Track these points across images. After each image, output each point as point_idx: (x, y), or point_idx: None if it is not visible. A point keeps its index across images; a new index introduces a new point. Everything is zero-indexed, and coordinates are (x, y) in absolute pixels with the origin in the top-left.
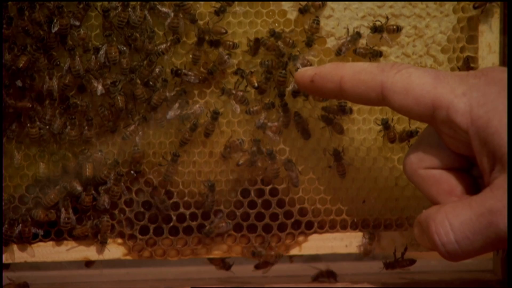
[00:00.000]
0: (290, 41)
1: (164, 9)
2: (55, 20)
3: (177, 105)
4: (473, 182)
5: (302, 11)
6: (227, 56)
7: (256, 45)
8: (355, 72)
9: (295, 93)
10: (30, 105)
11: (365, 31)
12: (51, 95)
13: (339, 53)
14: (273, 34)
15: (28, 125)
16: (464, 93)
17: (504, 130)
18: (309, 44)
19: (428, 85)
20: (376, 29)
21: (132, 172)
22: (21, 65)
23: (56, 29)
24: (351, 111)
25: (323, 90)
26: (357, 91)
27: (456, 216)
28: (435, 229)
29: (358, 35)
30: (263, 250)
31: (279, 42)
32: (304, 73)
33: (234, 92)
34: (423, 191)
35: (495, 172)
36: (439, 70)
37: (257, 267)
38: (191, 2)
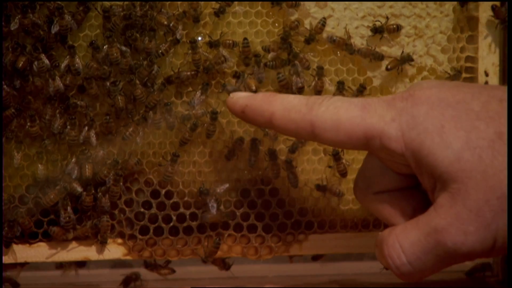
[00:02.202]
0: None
1: (164, 12)
2: (55, 21)
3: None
4: (423, 197)
5: (274, 4)
6: (223, 58)
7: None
8: (285, 110)
9: (300, 89)
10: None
11: (365, 31)
12: (61, 94)
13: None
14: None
15: (28, 123)
16: (393, 119)
17: (437, 150)
18: (308, 42)
19: (356, 117)
20: (376, 30)
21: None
22: (20, 65)
23: (56, 30)
24: None
25: (254, 122)
26: (288, 129)
27: (405, 238)
28: (388, 252)
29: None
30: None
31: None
32: (236, 101)
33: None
34: (377, 215)
35: (437, 191)
36: (366, 99)
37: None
38: (201, 3)
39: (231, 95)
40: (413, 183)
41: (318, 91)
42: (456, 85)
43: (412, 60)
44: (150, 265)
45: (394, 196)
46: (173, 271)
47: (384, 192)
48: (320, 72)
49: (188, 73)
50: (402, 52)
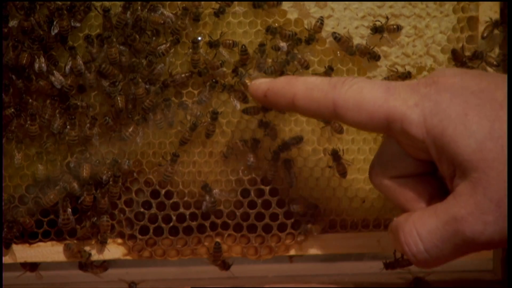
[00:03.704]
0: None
1: (167, 13)
2: (54, 22)
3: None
4: (440, 184)
5: (255, 6)
6: (219, 63)
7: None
8: (307, 89)
9: None
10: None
11: (365, 31)
12: (61, 94)
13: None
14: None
15: (29, 122)
16: (416, 104)
17: (459, 137)
18: (308, 42)
19: (380, 99)
20: (376, 30)
21: (120, 184)
22: (24, 61)
23: (56, 31)
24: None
25: (276, 105)
26: (310, 109)
27: (423, 225)
28: (404, 239)
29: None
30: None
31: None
32: (258, 86)
33: (234, 88)
34: (392, 200)
35: (456, 179)
36: (390, 82)
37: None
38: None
39: (253, 81)
40: (430, 169)
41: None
42: (479, 74)
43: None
44: (85, 266)
45: (411, 181)
46: (106, 269)
47: (401, 177)
48: (329, 72)
49: (183, 75)
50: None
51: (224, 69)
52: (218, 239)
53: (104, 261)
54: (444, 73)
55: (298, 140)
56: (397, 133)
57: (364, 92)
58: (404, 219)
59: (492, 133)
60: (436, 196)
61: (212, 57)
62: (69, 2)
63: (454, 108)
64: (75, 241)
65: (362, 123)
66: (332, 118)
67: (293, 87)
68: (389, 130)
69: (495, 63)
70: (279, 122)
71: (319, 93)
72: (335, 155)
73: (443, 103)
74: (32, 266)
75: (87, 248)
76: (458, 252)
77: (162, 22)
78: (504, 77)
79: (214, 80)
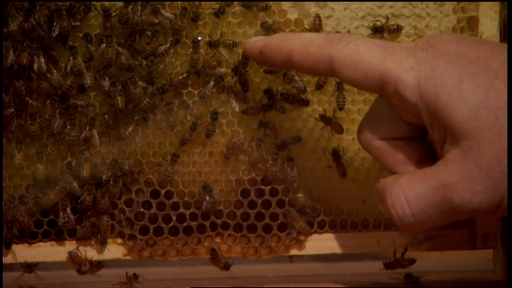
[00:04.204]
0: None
1: (166, 14)
2: (55, 23)
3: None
4: (429, 148)
5: (245, 6)
6: (215, 63)
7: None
8: (303, 45)
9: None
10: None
11: (365, 31)
12: (61, 94)
13: None
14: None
15: (29, 121)
16: (411, 67)
17: (453, 104)
18: None
19: (376, 58)
20: (376, 30)
21: (121, 184)
22: (24, 61)
23: (56, 33)
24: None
25: (272, 61)
26: (306, 64)
27: (411, 190)
28: (391, 202)
29: None
30: None
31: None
32: (254, 44)
33: (233, 89)
34: (380, 162)
35: (447, 145)
36: (387, 42)
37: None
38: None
39: (248, 40)
40: (420, 133)
41: (320, 85)
42: (476, 41)
43: None
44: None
45: (400, 144)
46: (101, 268)
47: (390, 139)
48: (341, 87)
49: (180, 77)
50: None
51: (222, 69)
52: (218, 239)
53: (99, 261)
54: (442, 38)
55: (296, 139)
56: (390, 95)
57: (361, 50)
58: (392, 181)
59: (486, 102)
60: (425, 160)
61: (211, 56)
62: (68, 3)
63: (450, 74)
64: (77, 251)
65: (357, 81)
66: (327, 74)
67: (289, 43)
68: (382, 90)
69: None
70: (280, 121)
71: (316, 48)
72: (336, 155)
73: (438, 68)
74: (29, 268)
75: (87, 249)
76: (444, 218)
77: (157, 21)
78: (501, 45)
79: (220, 76)
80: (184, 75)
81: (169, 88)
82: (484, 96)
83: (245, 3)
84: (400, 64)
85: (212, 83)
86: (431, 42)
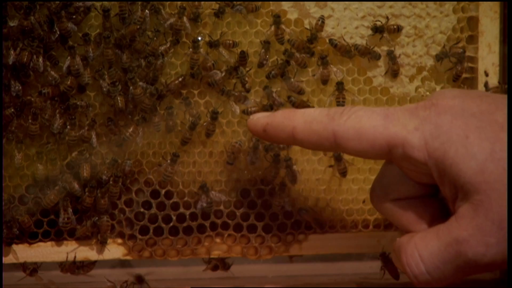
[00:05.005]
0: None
1: (165, 15)
2: (55, 25)
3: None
4: (442, 206)
5: (232, 7)
6: (212, 63)
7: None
8: (306, 123)
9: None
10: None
11: (365, 31)
12: (61, 94)
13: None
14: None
15: (30, 121)
16: (416, 128)
17: (461, 160)
18: (311, 41)
19: (379, 126)
20: (377, 29)
21: (121, 184)
22: (24, 59)
23: (56, 36)
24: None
25: (276, 139)
26: (311, 141)
27: (425, 247)
28: (406, 261)
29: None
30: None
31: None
32: (257, 122)
33: (234, 93)
34: (393, 222)
35: (458, 201)
36: (388, 108)
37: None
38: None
39: (251, 116)
40: (432, 191)
41: (325, 80)
42: (479, 95)
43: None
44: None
45: (412, 203)
46: (92, 267)
47: (402, 200)
48: (325, 61)
49: (176, 81)
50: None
51: (218, 72)
52: (218, 239)
53: (94, 262)
54: (444, 95)
55: None
56: (399, 159)
57: (363, 121)
58: (407, 240)
59: (493, 154)
60: (438, 217)
61: (214, 57)
62: (65, 4)
63: (455, 130)
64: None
65: (364, 152)
66: (333, 149)
67: (292, 121)
68: (391, 156)
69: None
70: None
71: (319, 125)
72: (337, 156)
73: (443, 125)
74: (32, 271)
75: (87, 249)
76: (460, 274)
77: (138, 27)
78: (504, 97)
79: (234, 66)
80: (180, 79)
81: (167, 94)
82: (491, 149)
83: (233, 4)
84: (404, 127)
85: (223, 73)
86: (433, 100)
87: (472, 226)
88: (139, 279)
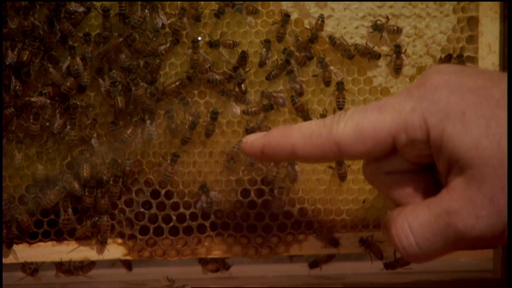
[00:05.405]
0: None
1: (161, 16)
2: (55, 26)
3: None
4: (435, 180)
5: (230, 5)
6: (209, 65)
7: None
8: (305, 138)
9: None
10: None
11: (365, 31)
12: (61, 94)
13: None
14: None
15: (31, 120)
16: (413, 108)
17: (457, 137)
18: (312, 41)
19: (377, 121)
20: (376, 27)
21: (121, 184)
22: (24, 58)
23: (57, 37)
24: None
25: (276, 158)
26: (314, 155)
27: (415, 219)
28: (396, 232)
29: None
30: None
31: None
32: (252, 145)
33: (234, 93)
34: (386, 195)
35: (451, 175)
36: (380, 100)
37: None
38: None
39: (244, 139)
40: (425, 166)
41: (327, 82)
42: (476, 71)
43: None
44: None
45: (405, 177)
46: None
47: (396, 173)
48: (324, 64)
49: (173, 85)
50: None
51: (215, 74)
52: (218, 239)
53: (93, 262)
54: (439, 71)
55: None
56: (403, 145)
57: (361, 122)
58: (397, 212)
59: (488, 131)
60: (431, 191)
61: (214, 57)
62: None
63: (452, 106)
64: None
65: (369, 152)
66: (337, 158)
67: (290, 139)
68: (395, 145)
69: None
70: (282, 122)
71: (318, 139)
72: (339, 160)
73: (441, 101)
74: (34, 271)
75: (87, 249)
76: (449, 247)
77: (121, 40)
78: (501, 74)
79: (243, 51)
80: (177, 83)
81: (162, 97)
82: (486, 125)
83: (236, 7)
84: (401, 112)
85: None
86: (427, 76)
87: (463, 198)
88: None
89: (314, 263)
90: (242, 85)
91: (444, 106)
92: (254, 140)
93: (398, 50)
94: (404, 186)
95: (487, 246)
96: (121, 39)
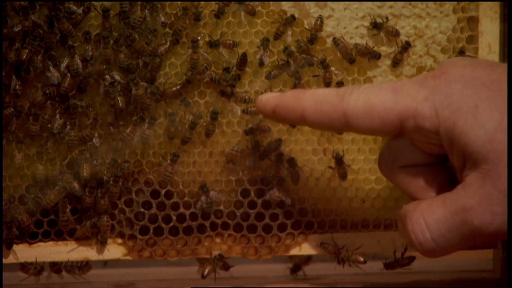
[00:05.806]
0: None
1: (161, 16)
2: (55, 27)
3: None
4: (450, 174)
5: (228, 5)
6: (205, 65)
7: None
8: (316, 103)
9: None
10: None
11: (365, 31)
12: (61, 94)
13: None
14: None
15: (31, 121)
16: (426, 98)
17: (470, 129)
18: (312, 41)
19: (389, 101)
20: (375, 25)
21: (121, 184)
22: (24, 56)
23: (58, 38)
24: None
25: (286, 120)
26: (322, 122)
27: (431, 214)
28: (412, 227)
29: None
30: None
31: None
32: (266, 102)
33: (233, 93)
34: (401, 189)
35: (466, 170)
36: (396, 82)
37: None
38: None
39: (260, 96)
40: (441, 159)
41: (328, 83)
42: (490, 64)
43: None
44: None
45: (420, 171)
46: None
47: (411, 167)
48: (325, 64)
49: (174, 88)
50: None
51: (212, 73)
52: (218, 239)
53: (87, 262)
54: (454, 64)
55: (277, 144)
56: (411, 131)
57: (372, 98)
58: (413, 207)
59: (502, 124)
60: (446, 186)
61: (214, 57)
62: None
63: (465, 99)
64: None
65: (375, 129)
66: (343, 129)
67: (302, 102)
68: (402, 129)
69: None
70: (271, 125)
71: (328, 106)
72: (339, 160)
73: (453, 95)
74: (39, 271)
75: (85, 248)
76: (465, 242)
77: (104, 67)
78: None
79: (266, 38)
80: (178, 86)
81: (161, 99)
82: (500, 119)
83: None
84: (413, 99)
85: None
86: (443, 69)
87: (479, 195)
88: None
89: (296, 266)
90: (229, 88)
91: (457, 99)
92: (268, 98)
93: (406, 47)
94: (420, 180)
95: (503, 239)
96: (104, 66)
